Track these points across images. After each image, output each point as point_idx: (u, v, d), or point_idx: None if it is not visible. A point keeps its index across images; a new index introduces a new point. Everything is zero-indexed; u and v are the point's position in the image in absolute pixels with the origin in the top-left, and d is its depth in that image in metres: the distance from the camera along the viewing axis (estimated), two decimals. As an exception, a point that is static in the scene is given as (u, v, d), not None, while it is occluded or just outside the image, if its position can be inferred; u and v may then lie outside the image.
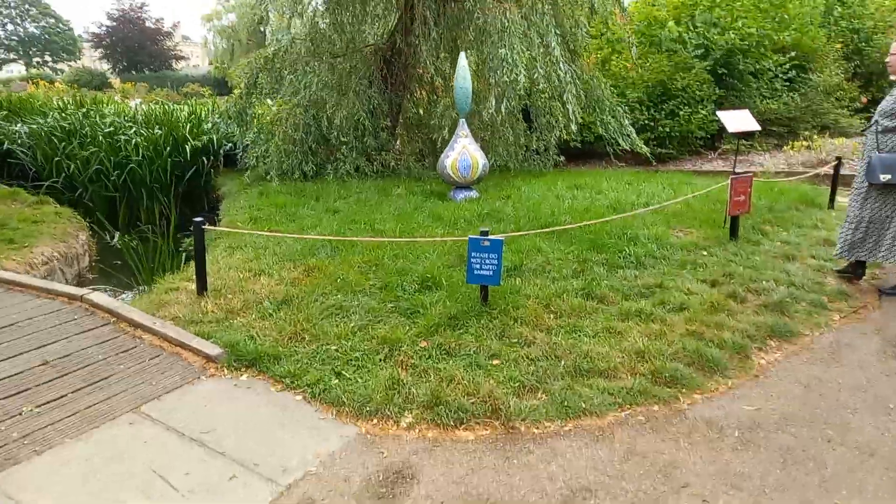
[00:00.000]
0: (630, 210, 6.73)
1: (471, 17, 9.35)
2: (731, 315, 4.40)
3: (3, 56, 76.76)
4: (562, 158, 10.84)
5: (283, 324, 4.34)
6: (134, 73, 62.67)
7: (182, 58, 68.59)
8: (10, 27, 74.88)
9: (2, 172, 11.05)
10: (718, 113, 6.17)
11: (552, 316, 4.42)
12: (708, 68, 12.27)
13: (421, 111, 11.69)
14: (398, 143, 11.01)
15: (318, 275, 5.21)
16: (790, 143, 12.24)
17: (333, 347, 4.03)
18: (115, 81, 58.62)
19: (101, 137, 10.52)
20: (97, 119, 11.30)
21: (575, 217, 6.39)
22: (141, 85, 51.44)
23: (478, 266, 4.45)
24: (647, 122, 11.92)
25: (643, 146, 10.49)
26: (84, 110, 11.67)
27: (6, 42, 75.80)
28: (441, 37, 10.28)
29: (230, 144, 11.32)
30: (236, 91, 10.86)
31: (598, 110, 10.23)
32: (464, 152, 8.05)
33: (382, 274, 5.16)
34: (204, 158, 10.97)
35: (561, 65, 8.81)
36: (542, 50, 8.92)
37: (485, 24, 8.85)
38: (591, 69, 10.91)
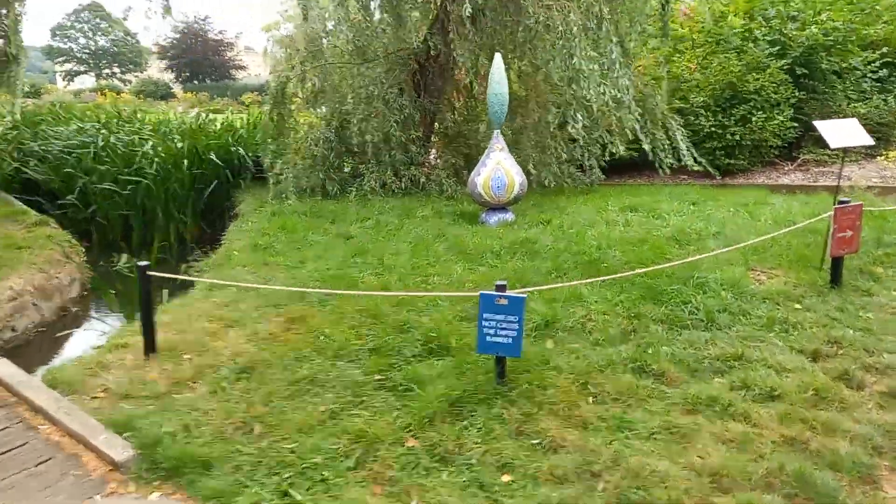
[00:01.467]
0: (696, 241, 5.49)
1: (518, 15, 8.22)
2: (846, 408, 3.14)
3: (75, 68, 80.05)
4: (601, 177, 9.38)
5: (235, 404, 3.33)
6: (196, 83, 64.38)
7: (242, 68, 69.84)
8: (82, 41, 78.05)
9: (23, 189, 10.54)
10: (817, 124, 4.86)
11: (591, 401, 3.27)
12: (785, 68, 10.78)
13: (459, 120, 10.61)
14: (433, 154, 9.97)
15: (301, 328, 4.19)
16: (883, 152, 10.63)
17: (288, 447, 2.98)
18: (178, 91, 60.17)
19: (117, 151, 9.85)
20: (112, 132, 10.66)
21: (627, 252, 5.19)
22: (202, 94, 52.51)
23: (491, 331, 3.34)
24: (713, 129, 10.52)
25: (695, 161, 9.10)
26: (102, 122, 11.06)
27: (78, 55, 79.03)
28: (483, 38, 9.22)
29: (258, 157, 10.51)
30: (265, 105, 10.02)
31: (649, 122, 8.96)
32: (497, 168, 6.93)
33: (379, 329, 4.10)
34: (228, 172, 10.18)
35: (621, 77, 7.62)
36: (599, 56, 7.73)
37: (536, 25, 7.71)
38: (649, 71, 9.66)
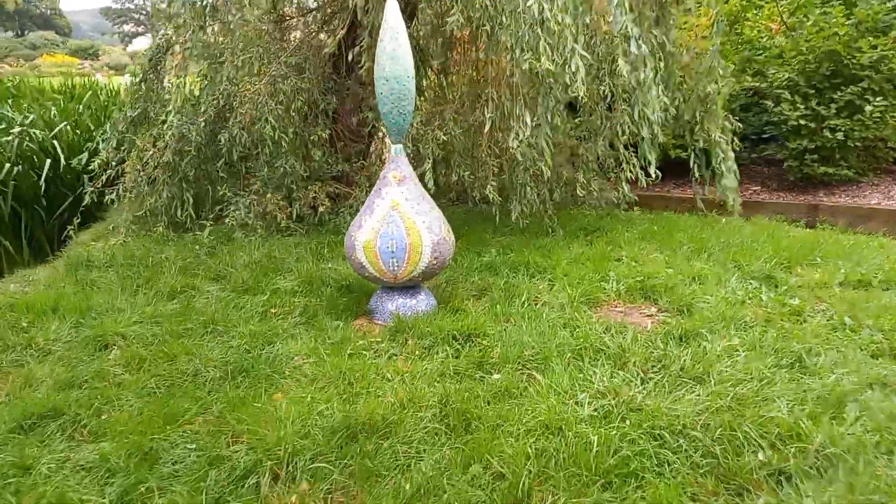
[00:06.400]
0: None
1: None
2: None
3: (132, 29, 79.71)
4: (628, 196, 5.82)
5: None
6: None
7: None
8: (138, 1, 77.27)
9: None
10: None
11: None
12: (920, 28, 7.02)
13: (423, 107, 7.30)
14: (369, 159, 6.75)
15: None
16: None
17: None
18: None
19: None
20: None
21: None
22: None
23: None
24: (803, 121, 6.94)
25: (735, 198, 5.61)
26: None
27: (135, 15, 78.54)
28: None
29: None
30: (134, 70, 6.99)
31: (699, 118, 5.54)
32: (391, 218, 3.71)
33: None
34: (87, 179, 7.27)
35: (634, 43, 4.22)
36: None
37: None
38: (701, 36, 6.19)
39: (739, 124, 6.32)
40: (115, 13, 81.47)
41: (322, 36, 6.30)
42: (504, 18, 4.18)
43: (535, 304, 3.79)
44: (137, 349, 3.44)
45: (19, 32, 70.90)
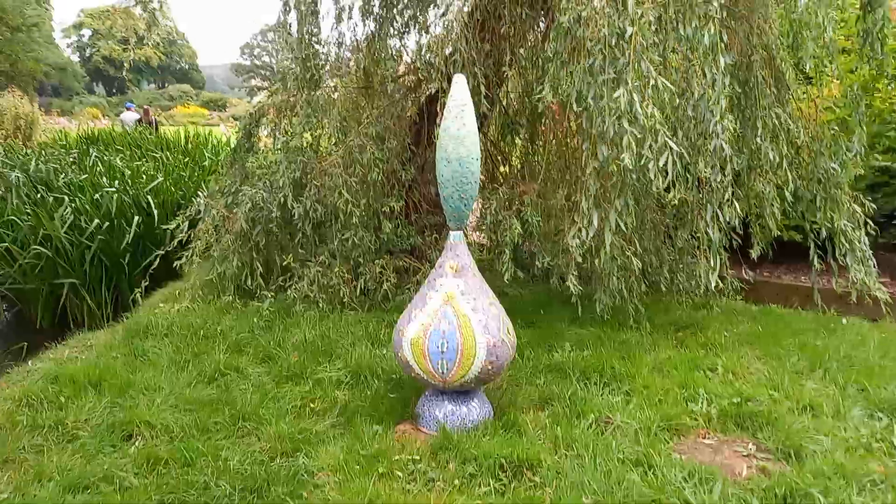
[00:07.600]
0: None
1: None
2: None
3: (258, 84, 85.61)
4: (717, 282, 5.14)
5: None
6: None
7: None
8: (265, 58, 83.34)
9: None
10: None
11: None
12: None
13: (509, 175, 6.92)
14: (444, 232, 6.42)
15: None
16: None
17: None
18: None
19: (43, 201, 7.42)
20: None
21: None
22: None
23: None
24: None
25: (877, 291, 4.87)
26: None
27: (262, 72, 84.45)
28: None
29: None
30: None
31: (820, 202, 4.87)
32: (444, 314, 3.28)
33: None
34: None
35: (716, 141, 3.72)
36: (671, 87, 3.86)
37: (576, 25, 3.96)
38: (823, 108, 5.51)
39: (873, 205, 5.54)
40: (244, 69, 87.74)
41: (406, 104, 6.11)
42: (590, 104, 3.76)
43: (605, 428, 3.21)
44: (158, 444, 3.17)
45: (161, 84, 77.69)
